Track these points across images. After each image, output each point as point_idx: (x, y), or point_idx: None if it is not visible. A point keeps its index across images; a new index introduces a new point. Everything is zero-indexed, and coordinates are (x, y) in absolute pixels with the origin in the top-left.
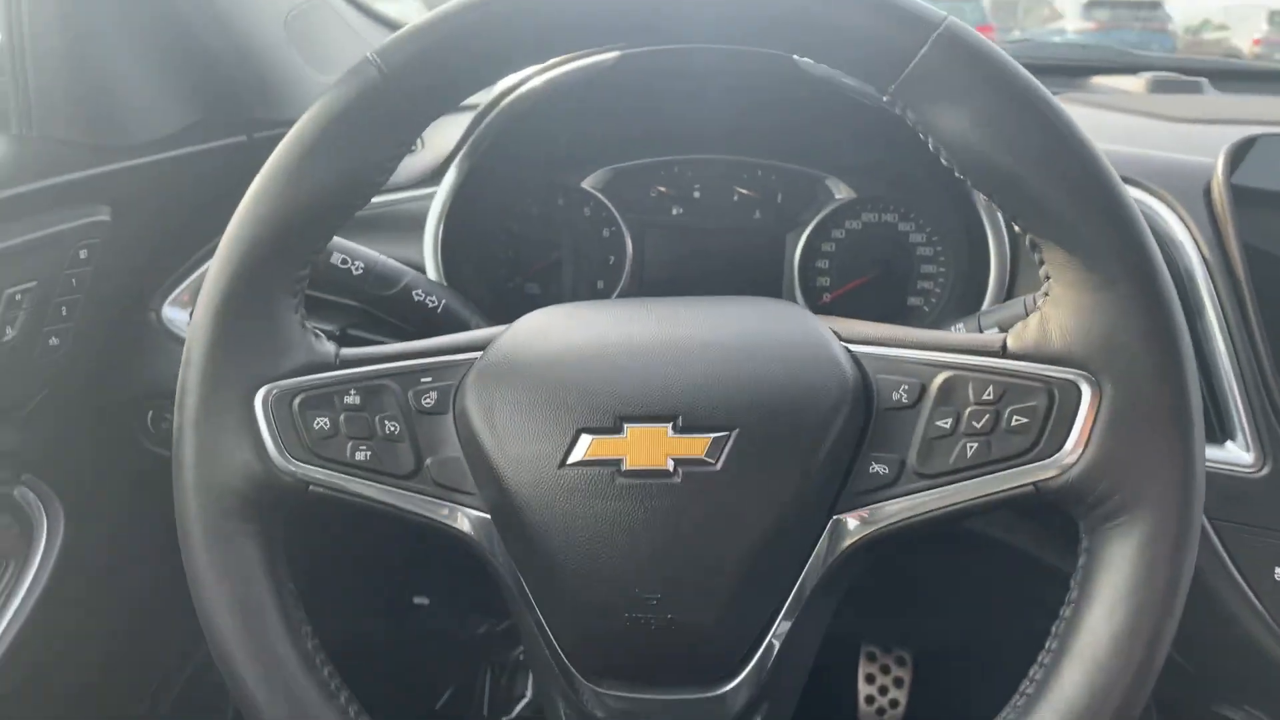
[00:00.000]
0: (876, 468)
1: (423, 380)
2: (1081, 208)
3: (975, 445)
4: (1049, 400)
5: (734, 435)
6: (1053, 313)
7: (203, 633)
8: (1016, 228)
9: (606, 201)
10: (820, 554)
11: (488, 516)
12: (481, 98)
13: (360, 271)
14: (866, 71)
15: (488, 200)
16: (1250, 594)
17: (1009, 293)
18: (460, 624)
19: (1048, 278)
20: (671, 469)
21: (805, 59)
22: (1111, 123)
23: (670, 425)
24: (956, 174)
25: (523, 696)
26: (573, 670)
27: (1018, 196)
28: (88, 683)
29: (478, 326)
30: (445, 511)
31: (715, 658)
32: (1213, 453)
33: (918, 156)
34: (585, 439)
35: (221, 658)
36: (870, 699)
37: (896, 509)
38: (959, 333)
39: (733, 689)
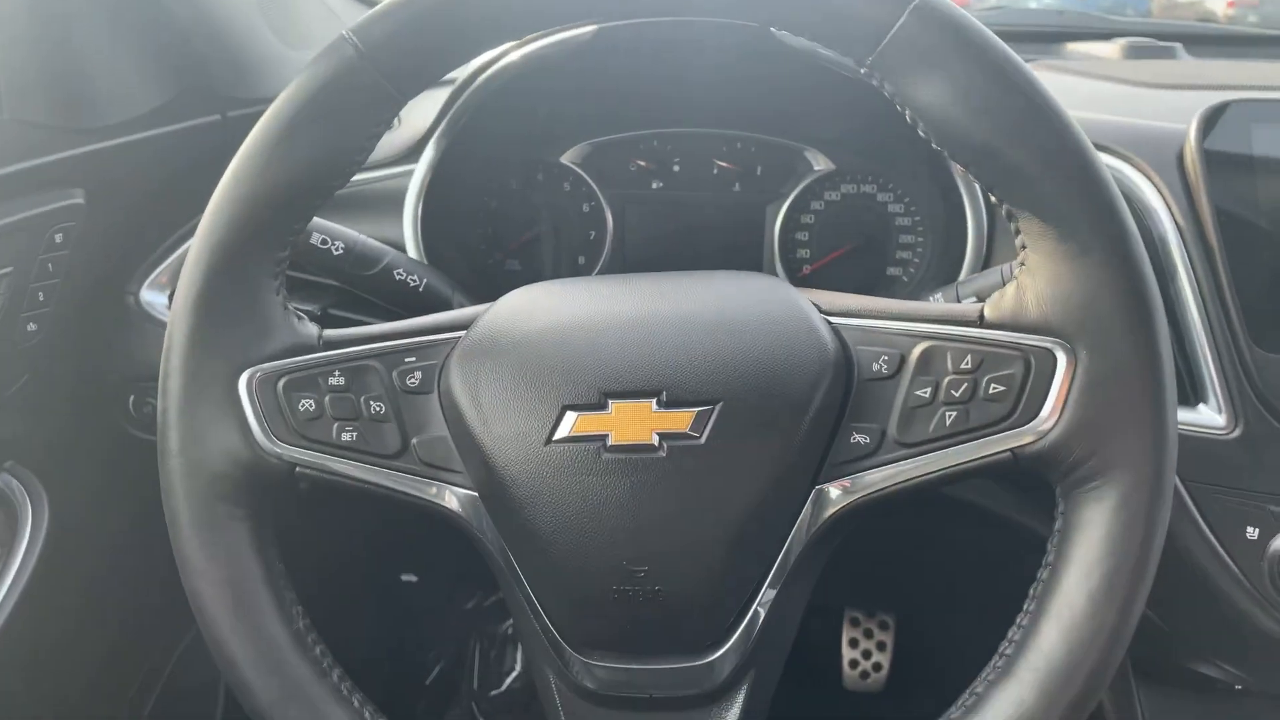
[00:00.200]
0: (858, 437)
1: (407, 360)
2: (1056, 178)
3: (954, 414)
4: (1025, 368)
5: (717, 409)
6: (1029, 282)
7: (190, 615)
8: (993, 198)
9: (586, 176)
10: (804, 523)
11: (475, 494)
12: (459, 73)
13: (341, 252)
14: (844, 44)
15: (467, 177)
16: (1223, 553)
17: (986, 262)
18: (448, 599)
19: (1024, 247)
20: (656, 443)
21: (783, 31)
22: (1086, 89)
23: (654, 400)
24: (934, 145)
25: (512, 669)
26: (562, 642)
27: (993, 167)
28: (76, 666)
29: (460, 305)
30: (433, 490)
31: (702, 627)
32: (1186, 415)
33: (896, 128)
34: (570, 415)
35: (213, 641)
36: (854, 663)
37: (878, 478)
38: (937, 303)
39: (720, 657)
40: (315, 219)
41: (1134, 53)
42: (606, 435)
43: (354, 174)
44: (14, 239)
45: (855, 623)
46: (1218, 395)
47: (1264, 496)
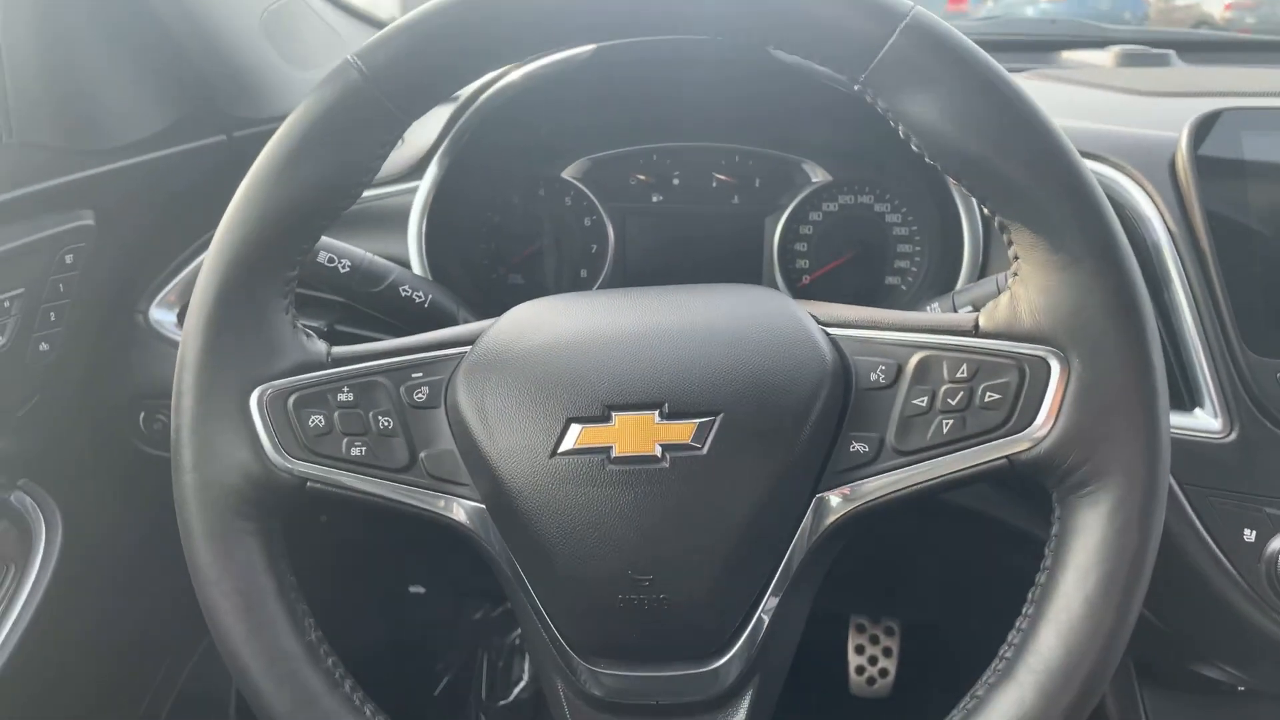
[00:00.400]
0: (857, 446)
1: (414, 376)
2: (1045, 189)
3: (950, 422)
4: (1020, 376)
5: (719, 420)
6: (1022, 292)
7: (202, 628)
8: (985, 210)
9: (587, 191)
10: (805, 531)
11: (483, 507)
12: (461, 91)
13: (347, 270)
14: (837, 62)
15: (470, 193)
16: (1221, 555)
17: (982, 270)
18: (456, 611)
19: (1016, 257)
20: (659, 454)
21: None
22: (1080, 98)
23: (657, 412)
24: (927, 159)
25: (520, 680)
26: (570, 651)
27: (984, 180)
28: (90, 680)
29: (464, 320)
30: (441, 503)
31: (707, 634)
32: (1182, 420)
33: (892, 140)
34: (575, 428)
35: (227, 653)
36: (860, 669)
37: (877, 485)
38: (933, 313)
39: (725, 663)
40: (322, 238)
41: (1128, 60)
42: (610, 447)
43: (361, 194)
44: (26, 260)
45: (861, 629)
46: (1213, 400)
47: (1260, 499)
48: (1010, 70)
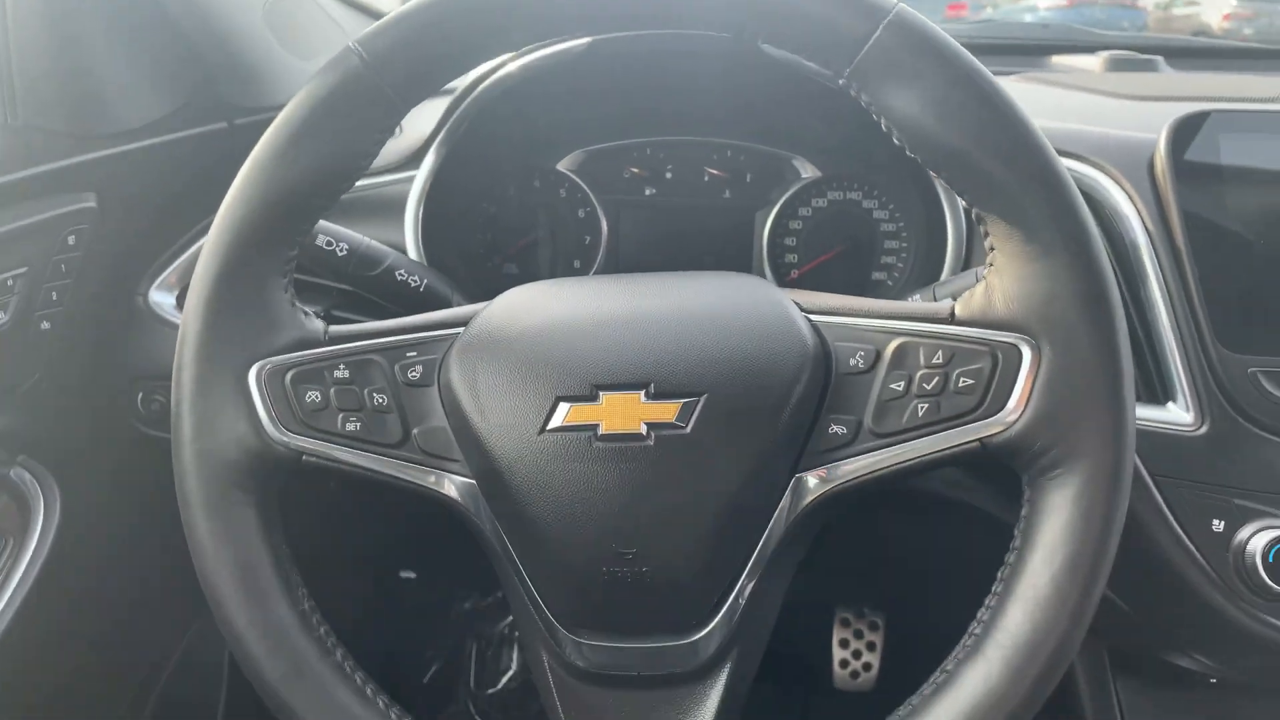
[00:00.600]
0: (835, 428)
1: (408, 355)
2: (1021, 183)
3: (926, 406)
4: (993, 362)
5: (703, 400)
6: (996, 281)
7: (195, 605)
8: (963, 203)
9: (581, 183)
10: (784, 510)
11: (473, 482)
12: (458, 83)
13: (344, 253)
14: (823, 56)
15: (466, 183)
16: (1190, 546)
17: (966, 264)
18: (446, 598)
19: (992, 248)
20: (645, 432)
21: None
22: (1066, 101)
23: (643, 392)
24: (908, 152)
25: (509, 669)
26: (555, 623)
27: (963, 173)
28: (86, 652)
29: (459, 304)
30: (433, 478)
31: (688, 607)
32: (1155, 413)
33: (880, 137)
34: (563, 406)
35: (223, 620)
36: (844, 663)
37: (854, 467)
38: (912, 302)
39: (704, 636)
40: (321, 222)
41: (1116, 65)
42: (597, 425)
43: (359, 179)
44: (29, 240)
45: (846, 623)
46: (1185, 393)
47: (1229, 491)
48: (999, 73)
